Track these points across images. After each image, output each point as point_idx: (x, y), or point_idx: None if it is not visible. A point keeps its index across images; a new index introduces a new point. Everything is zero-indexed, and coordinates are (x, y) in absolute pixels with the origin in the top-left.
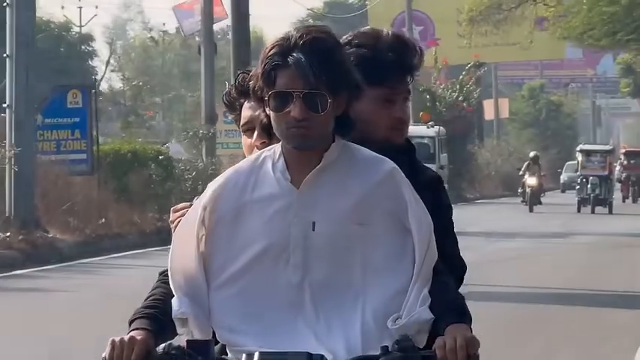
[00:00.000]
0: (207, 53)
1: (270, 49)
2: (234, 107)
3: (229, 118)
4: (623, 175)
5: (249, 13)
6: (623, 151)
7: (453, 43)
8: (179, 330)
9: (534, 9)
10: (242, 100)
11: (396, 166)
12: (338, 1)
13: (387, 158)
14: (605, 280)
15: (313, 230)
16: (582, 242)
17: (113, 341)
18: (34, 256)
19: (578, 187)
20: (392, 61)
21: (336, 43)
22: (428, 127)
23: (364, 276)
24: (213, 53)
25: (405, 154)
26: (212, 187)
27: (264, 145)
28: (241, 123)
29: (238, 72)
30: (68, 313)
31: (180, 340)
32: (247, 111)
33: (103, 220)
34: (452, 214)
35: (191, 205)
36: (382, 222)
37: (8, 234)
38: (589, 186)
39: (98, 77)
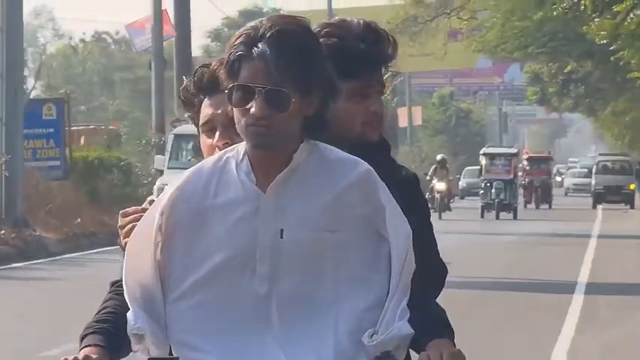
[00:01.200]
0: (157, 68)
1: (237, 38)
2: (191, 104)
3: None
4: (526, 180)
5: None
6: (526, 156)
7: None
8: (134, 347)
9: (448, 22)
10: (201, 97)
11: (371, 168)
12: (253, 11)
13: (360, 159)
14: (531, 270)
15: (281, 238)
16: (505, 241)
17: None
18: (26, 252)
19: (482, 191)
20: (364, 52)
21: (309, 36)
22: None
23: (336, 287)
24: (162, 68)
25: (381, 153)
26: (170, 189)
27: (226, 145)
28: (200, 122)
29: (197, 67)
30: (66, 299)
31: (135, 357)
32: (208, 109)
33: (79, 220)
34: (430, 215)
35: (143, 210)
36: (355, 228)
37: (3, 232)
38: (493, 190)
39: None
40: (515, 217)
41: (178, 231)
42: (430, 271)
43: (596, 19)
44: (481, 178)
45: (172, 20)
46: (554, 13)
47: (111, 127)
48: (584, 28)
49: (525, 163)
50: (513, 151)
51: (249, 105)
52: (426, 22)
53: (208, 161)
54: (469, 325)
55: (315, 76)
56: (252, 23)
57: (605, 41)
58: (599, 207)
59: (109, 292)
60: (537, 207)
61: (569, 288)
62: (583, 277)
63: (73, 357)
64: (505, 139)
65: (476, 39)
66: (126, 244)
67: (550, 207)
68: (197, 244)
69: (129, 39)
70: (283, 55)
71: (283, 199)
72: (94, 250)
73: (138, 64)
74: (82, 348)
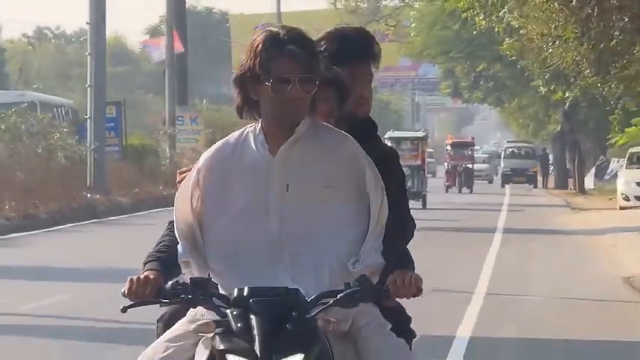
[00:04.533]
0: (170, 76)
1: (262, 44)
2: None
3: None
4: (450, 165)
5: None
6: (450, 142)
7: None
8: (183, 271)
9: (378, 26)
10: None
11: (354, 140)
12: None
13: (347, 134)
14: (460, 223)
15: (287, 191)
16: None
17: (131, 279)
18: (112, 210)
19: None
20: (357, 46)
21: (312, 39)
22: None
23: (329, 228)
24: (174, 76)
25: (368, 130)
26: (205, 155)
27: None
28: None
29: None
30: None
31: (185, 278)
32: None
33: (137, 189)
34: (405, 182)
35: (191, 168)
36: (344, 185)
37: (97, 196)
38: None
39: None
40: (424, 207)
41: (211, 186)
42: (403, 224)
43: (507, 39)
44: None
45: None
46: (473, 32)
47: None
48: (498, 47)
49: (449, 148)
50: (420, 134)
51: (287, 90)
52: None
53: (233, 135)
54: (419, 254)
55: (318, 65)
56: (266, 32)
57: (514, 58)
58: (507, 187)
59: (166, 229)
60: (460, 191)
61: (491, 230)
62: (500, 224)
63: (137, 276)
64: (417, 127)
65: (404, 45)
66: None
67: (471, 191)
68: (225, 195)
69: (147, 52)
70: (306, 52)
71: (288, 161)
72: (152, 210)
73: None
74: (144, 271)
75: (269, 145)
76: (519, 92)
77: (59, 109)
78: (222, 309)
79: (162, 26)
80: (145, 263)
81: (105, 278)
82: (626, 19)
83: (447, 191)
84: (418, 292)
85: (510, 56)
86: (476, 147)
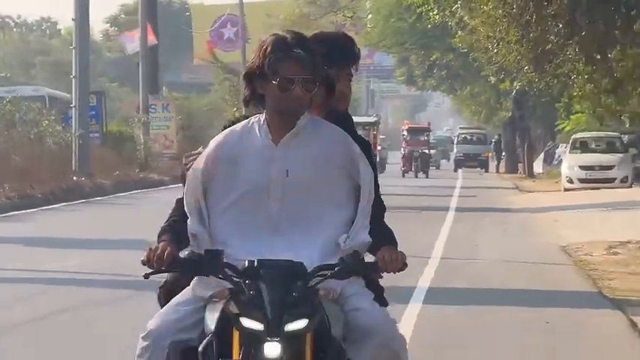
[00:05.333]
0: (143, 66)
1: (271, 47)
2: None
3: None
4: (406, 150)
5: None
6: (406, 127)
7: None
8: (191, 242)
9: (336, 18)
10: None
11: (346, 133)
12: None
13: (340, 128)
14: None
15: (287, 176)
16: None
17: (149, 249)
18: (95, 192)
19: None
20: (342, 49)
21: (314, 43)
22: None
23: (323, 209)
24: (146, 66)
25: (347, 123)
26: (215, 142)
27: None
28: None
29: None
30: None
31: (193, 248)
32: None
33: (117, 172)
34: (377, 169)
35: (198, 153)
36: (337, 173)
37: (83, 178)
38: None
39: None
40: None
41: (219, 169)
42: (379, 204)
43: (459, 32)
44: None
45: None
46: (428, 25)
47: None
48: (451, 40)
49: (405, 134)
50: (371, 119)
51: (292, 89)
52: (317, 18)
53: (240, 124)
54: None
55: (319, 69)
56: (274, 36)
57: (465, 50)
58: (460, 171)
59: (175, 205)
60: (416, 176)
61: (445, 209)
62: (453, 205)
63: (155, 247)
64: (371, 114)
65: (361, 36)
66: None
67: (427, 176)
68: (231, 178)
69: (122, 44)
70: (310, 56)
71: (289, 150)
72: (132, 192)
73: (55, 48)
74: (160, 241)
75: (272, 135)
76: (471, 81)
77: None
78: (234, 278)
79: (122, 15)
80: (160, 235)
81: (105, 247)
82: (560, 25)
83: (403, 176)
84: (403, 266)
85: (462, 48)
86: None
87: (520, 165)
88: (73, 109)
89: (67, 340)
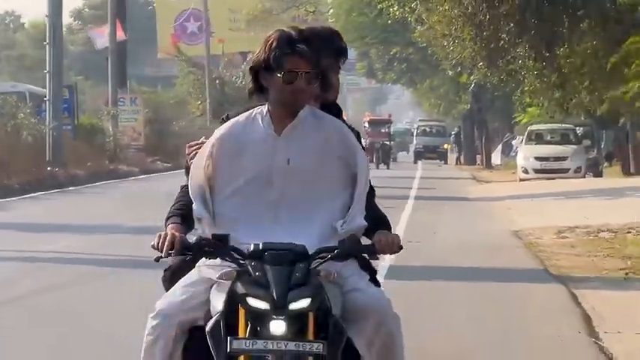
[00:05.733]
0: (113, 61)
1: (275, 42)
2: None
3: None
4: (368, 141)
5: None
6: (368, 119)
7: (224, 35)
8: (196, 225)
9: (297, 12)
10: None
11: (343, 124)
12: None
13: (337, 119)
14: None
15: (288, 164)
16: None
17: (159, 235)
18: (70, 181)
19: None
20: (330, 43)
21: (315, 39)
22: None
23: (321, 196)
24: (115, 61)
25: (337, 112)
26: (219, 132)
27: None
28: None
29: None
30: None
31: (199, 232)
32: None
33: (89, 163)
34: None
35: (201, 143)
36: (336, 162)
37: (57, 169)
38: None
39: None
40: None
41: (223, 157)
42: (370, 189)
43: (419, 28)
44: None
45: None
46: (389, 21)
47: None
48: (411, 34)
49: (367, 125)
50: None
51: (295, 82)
52: (279, 13)
53: (243, 115)
54: None
55: (318, 63)
56: (279, 32)
57: (424, 44)
58: (419, 163)
59: (180, 192)
60: (377, 167)
61: (405, 198)
62: (413, 194)
63: (164, 233)
64: None
65: None
66: (190, 164)
67: (388, 167)
68: (235, 166)
69: (92, 39)
70: (313, 51)
71: (290, 140)
72: (104, 182)
73: (19, 43)
74: (168, 225)
75: (274, 126)
76: (430, 74)
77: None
78: (239, 261)
79: (86, 9)
80: (167, 219)
81: (87, 231)
82: (512, 24)
83: None
84: (398, 249)
85: (421, 43)
86: None
87: (478, 157)
88: (47, 102)
89: (76, 308)
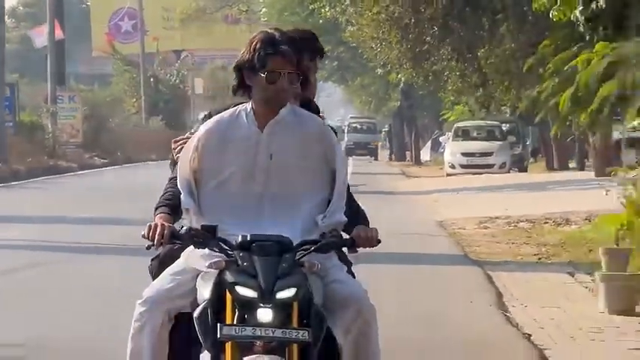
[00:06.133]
0: (51, 58)
1: (259, 43)
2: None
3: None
4: None
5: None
6: None
7: (158, 34)
8: (184, 215)
9: (230, 11)
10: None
11: (323, 121)
12: None
13: (317, 117)
14: None
15: (270, 159)
16: None
17: (149, 225)
18: (13, 176)
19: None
20: (308, 44)
21: (298, 41)
22: None
23: (303, 191)
24: (54, 60)
25: (316, 110)
26: (205, 127)
27: None
28: None
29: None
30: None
31: (185, 222)
32: None
33: (30, 159)
34: None
35: (186, 138)
36: (315, 158)
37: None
38: None
39: None
40: None
41: (208, 151)
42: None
43: (349, 28)
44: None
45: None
46: (320, 21)
47: None
48: (341, 34)
49: None
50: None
51: (278, 81)
52: (212, 12)
53: (228, 112)
54: None
55: (301, 64)
56: (263, 33)
57: (354, 44)
58: (350, 159)
59: (168, 184)
60: None
61: None
62: None
63: (154, 223)
64: None
65: (256, 28)
66: (177, 158)
67: None
68: (220, 160)
69: (31, 39)
70: (294, 52)
71: (272, 136)
72: (44, 177)
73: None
74: (157, 215)
75: (257, 122)
76: (361, 72)
77: None
78: (227, 251)
79: (20, 7)
80: (157, 208)
81: (38, 222)
82: (436, 28)
83: None
84: (377, 243)
85: (352, 43)
86: None
87: (408, 153)
88: None
89: (37, 289)
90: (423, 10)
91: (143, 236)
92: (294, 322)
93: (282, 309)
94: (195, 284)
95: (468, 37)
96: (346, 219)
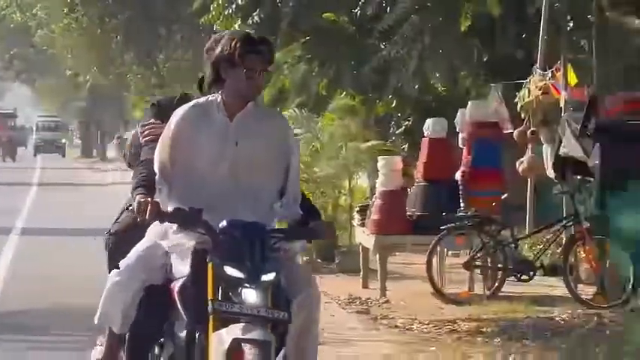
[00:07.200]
0: None
1: (242, 42)
2: None
3: None
4: None
5: None
6: None
7: None
8: (157, 196)
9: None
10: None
11: (283, 116)
12: None
13: (277, 112)
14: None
15: (236, 146)
16: None
17: (139, 201)
18: None
19: None
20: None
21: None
22: None
23: (265, 179)
24: None
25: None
26: (181, 112)
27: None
28: None
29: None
30: None
31: (164, 203)
32: None
33: None
34: None
35: (151, 122)
36: (275, 150)
37: None
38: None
39: None
40: None
41: (182, 137)
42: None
43: (39, 31)
44: None
45: None
46: (12, 24)
47: None
48: (31, 38)
49: None
50: (10, 111)
51: (255, 78)
52: None
53: (200, 100)
54: None
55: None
56: (240, 33)
57: (46, 47)
58: (39, 156)
59: (141, 165)
60: (4, 160)
61: (29, 184)
62: (35, 180)
63: (144, 200)
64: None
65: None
66: (145, 142)
67: (14, 160)
68: (192, 146)
69: None
70: (269, 52)
71: (240, 126)
72: None
73: None
74: (137, 194)
75: (227, 112)
76: (50, 73)
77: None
78: (213, 233)
79: None
80: (135, 189)
81: None
82: (119, 37)
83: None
84: (334, 234)
85: (42, 46)
86: None
87: (95, 150)
88: None
89: None
90: (108, 21)
91: (133, 211)
92: (269, 303)
93: (263, 290)
94: (166, 261)
95: (147, 44)
96: (302, 213)
